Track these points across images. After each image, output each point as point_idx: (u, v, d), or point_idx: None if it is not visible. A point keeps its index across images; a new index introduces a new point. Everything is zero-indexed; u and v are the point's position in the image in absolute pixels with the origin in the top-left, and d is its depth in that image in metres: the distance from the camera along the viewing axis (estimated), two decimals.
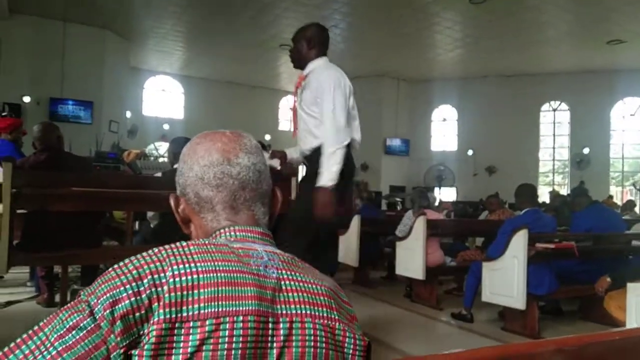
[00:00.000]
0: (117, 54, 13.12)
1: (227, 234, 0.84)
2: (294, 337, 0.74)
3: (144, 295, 0.67)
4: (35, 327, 0.67)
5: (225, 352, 0.68)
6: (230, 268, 0.73)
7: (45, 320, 0.68)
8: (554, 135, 16.00)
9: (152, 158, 14.80)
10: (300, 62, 3.10)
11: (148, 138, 15.48)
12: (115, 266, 0.71)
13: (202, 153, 0.88)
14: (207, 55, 14.59)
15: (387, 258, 6.57)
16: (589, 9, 10.27)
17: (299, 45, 3.07)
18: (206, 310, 0.68)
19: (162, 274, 0.69)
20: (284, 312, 0.75)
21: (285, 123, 19.23)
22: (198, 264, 0.71)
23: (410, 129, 17.09)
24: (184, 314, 0.67)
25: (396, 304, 5.36)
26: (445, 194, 15.28)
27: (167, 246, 0.74)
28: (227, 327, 0.68)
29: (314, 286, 0.81)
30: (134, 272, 0.69)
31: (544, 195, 11.61)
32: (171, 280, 0.69)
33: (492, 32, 11.80)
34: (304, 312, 0.76)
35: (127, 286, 0.67)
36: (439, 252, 5.48)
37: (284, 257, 0.82)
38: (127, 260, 0.71)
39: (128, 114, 14.34)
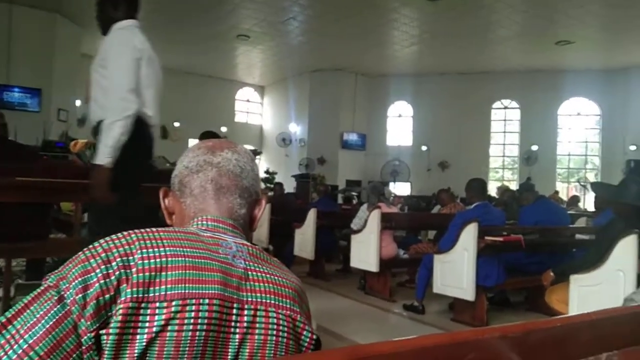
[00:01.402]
0: (67, 40, 12.58)
1: (200, 222, 0.87)
2: (257, 325, 0.76)
3: (112, 277, 0.68)
4: (4, 320, 0.66)
5: (189, 333, 0.69)
6: (197, 254, 0.75)
7: (13, 312, 0.67)
8: (504, 132, 16.49)
9: None
10: (105, 27, 2.68)
11: None
12: (85, 249, 0.72)
13: (195, 149, 0.96)
14: (162, 44, 14.14)
15: (343, 251, 6.63)
16: (539, 10, 10.61)
17: (104, 6, 2.66)
18: (173, 292, 0.70)
19: (130, 257, 0.71)
20: (250, 299, 0.77)
21: (242, 115, 19.03)
22: (167, 248, 0.73)
23: (367, 123, 17.24)
24: (151, 295, 0.69)
25: (350, 296, 5.42)
26: (400, 189, 15.52)
27: (137, 231, 0.76)
28: (193, 308, 0.70)
29: (280, 279, 0.83)
30: (103, 255, 0.70)
31: (494, 190, 11.97)
32: (140, 262, 0.70)
33: (447, 29, 12.03)
34: (269, 301, 0.79)
35: (97, 270, 0.69)
36: (393, 245, 5.57)
37: (253, 250, 0.85)
38: (96, 244, 0.72)
39: (78, 103, 13.83)
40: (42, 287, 0.70)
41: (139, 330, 0.67)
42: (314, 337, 0.84)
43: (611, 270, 3.16)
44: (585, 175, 15.56)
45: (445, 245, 4.52)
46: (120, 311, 0.67)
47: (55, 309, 0.66)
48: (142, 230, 0.76)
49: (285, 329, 0.79)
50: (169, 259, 0.72)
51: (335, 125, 16.45)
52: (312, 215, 6.26)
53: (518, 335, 0.79)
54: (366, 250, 5.31)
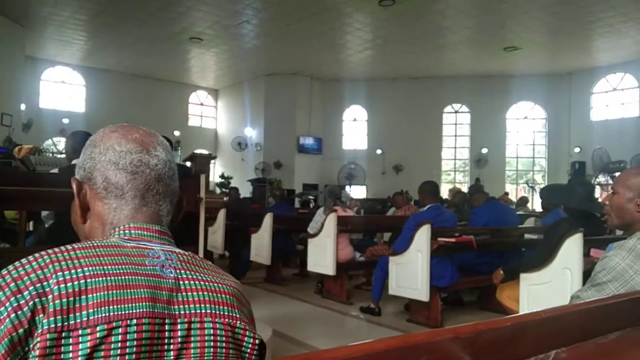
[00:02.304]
0: (10, 41, 12.04)
1: (122, 232, 0.79)
2: (192, 338, 0.72)
3: (25, 309, 0.62)
4: None
5: (118, 358, 0.64)
6: (121, 271, 0.69)
7: None
8: (455, 135, 16.90)
9: (50, 154, 13.83)
10: None
11: (45, 132, 14.41)
12: None
13: (119, 140, 0.84)
14: (111, 46, 13.85)
15: (299, 255, 6.62)
16: (488, 16, 10.95)
17: None
18: (96, 316, 0.64)
19: (44, 282, 0.64)
20: (182, 312, 0.72)
21: (195, 119, 18.75)
22: (85, 269, 0.67)
23: (323, 127, 17.31)
24: (72, 322, 0.63)
25: (307, 300, 5.41)
26: (356, 192, 15.65)
27: (50, 250, 0.69)
28: (120, 331, 0.65)
29: (215, 284, 0.79)
30: (12, 285, 0.64)
31: (447, 192, 12.24)
32: (55, 287, 0.64)
33: (399, 34, 12.24)
34: (203, 311, 0.74)
35: (7, 303, 0.62)
36: (349, 248, 5.60)
37: (184, 256, 0.79)
38: (4, 272, 0.66)
39: (23, 107, 13.25)
40: None
41: None
42: (257, 341, 0.80)
43: (558, 268, 3.27)
44: (533, 177, 16.15)
45: (399, 247, 4.58)
46: (38, 345, 0.61)
47: None
48: (57, 249, 0.69)
49: (224, 338, 0.75)
50: (88, 280, 0.66)
51: (291, 129, 16.44)
52: (268, 219, 6.22)
53: (469, 336, 0.80)
54: (323, 253, 5.32)
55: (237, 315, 0.78)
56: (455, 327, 0.81)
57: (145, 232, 0.80)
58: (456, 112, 16.83)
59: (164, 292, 0.71)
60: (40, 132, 14.00)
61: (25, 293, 0.63)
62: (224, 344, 0.75)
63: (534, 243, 4.92)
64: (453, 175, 17.29)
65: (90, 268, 0.67)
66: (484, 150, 15.68)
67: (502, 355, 0.84)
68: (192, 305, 0.73)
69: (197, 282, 0.76)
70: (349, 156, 16.76)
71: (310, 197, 14.24)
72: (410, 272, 4.38)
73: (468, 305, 5.32)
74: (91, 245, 0.73)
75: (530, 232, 5.42)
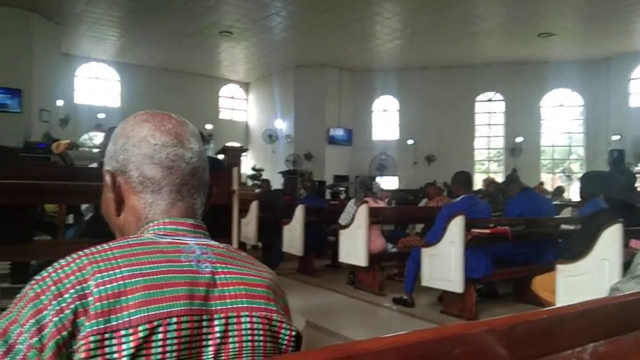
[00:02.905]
0: (46, 39, 12.39)
1: (156, 227, 0.79)
2: (230, 333, 0.73)
3: (67, 311, 0.63)
4: None
5: (159, 357, 0.65)
6: (158, 269, 0.70)
7: None
8: (489, 124, 16.61)
9: (86, 148, 14.21)
10: None
11: (81, 128, 14.82)
12: (33, 282, 0.66)
13: (152, 131, 0.83)
14: (144, 41, 14.09)
15: (331, 246, 6.63)
16: (520, 3, 10.68)
17: None
18: (137, 316, 0.65)
19: (84, 284, 0.65)
20: (219, 307, 0.73)
21: (226, 112, 18.93)
22: (123, 269, 0.67)
23: (353, 118, 17.25)
24: (114, 323, 0.64)
25: (340, 291, 5.43)
26: (387, 183, 15.56)
27: (87, 251, 0.69)
28: (161, 330, 0.66)
29: (251, 277, 0.79)
30: (54, 288, 0.65)
31: (480, 182, 12.05)
32: (95, 290, 0.65)
33: (429, 23, 12.06)
34: (240, 305, 0.74)
35: (50, 307, 0.63)
36: (381, 239, 5.58)
37: (219, 249, 0.79)
38: (44, 274, 0.66)
39: (60, 103, 13.64)
40: None
41: None
42: (293, 332, 0.81)
43: (597, 259, 3.19)
44: (570, 166, 15.74)
45: (432, 238, 4.54)
46: (83, 347, 0.62)
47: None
48: (94, 250, 0.70)
49: (261, 331, 0.76)
50: (127, 280, 0.66)
51: (321, 121, 16.43)
52: (299, 211, 6.25)
53: (505, 329, 0.79)
54: (354, 245, 5.32)
55: (273, 308, 0.79)
56: (490, 319, 0.80)
57: (180, 227, 0.79)
58: (489, 100, 16.51)
59: (200, 288, 0.72)
60: (76, 127, 14.40)
61: (66, 296, 0.64)
62: (261, 337, 0.75)
63: (571, 234, 4.82)
64: (487, 165, 17.01)
65: (128, 268, 0.68)
66: (519, 139, 15.35)
67: (537, 348, 0.83)
68: (228, 300, 0.74)
69: (233, 276, 0.76)
70: (379, 147, 16.66)
71: (341, 188, 14.23)
72: (444, 264, 4.34)
73: (503, 297, 5.25)
74: (127, 243, 0.73)
75: (566, 223, 5.30)
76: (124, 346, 0.63)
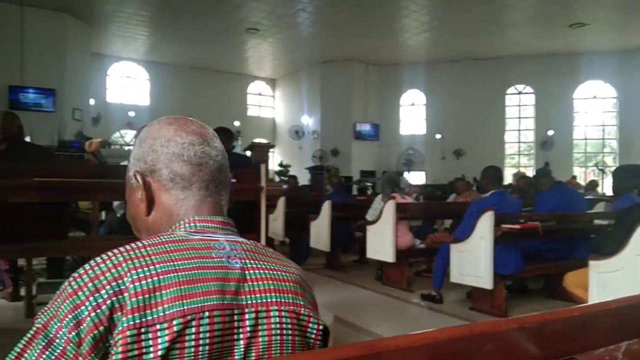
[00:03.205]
0: (78, 40, 12.70)
1: (187, 224, 0.81)
2: (260, 327, 0.74)
3: (104, 307, 0.66)
4: None
5: (192, 350, 0.68)
6: (191, 265, 0.72)
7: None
8: (519, 117, 16.32)
9: (117, 146, 14.51)
10: None
11: (113, 126, 15.14)
12: (71, 279, 0.69)
13: (178, 132, 0.86)
14: (172, 40, 14.29)
15: (359, 242, 6.63)
16: None
17: None
18: (171, 311, 0.67)
19: (119, 281, 0.67)
20: (249, 302, 0.75)
21: (254, 109, 19.07)
22: (157, 265, 0.70)
23: (379, 113, 17.17)
24: (149, 318, 0.66)
25: (367, 287, 5.42)
26: (415, 178, 15.45)
27: (122, 249, 0.72)
28: (194, 324, 0.68)
29: (279, 273, 0.81)
30: (90, 285, 0.67)
31: (510, 177, 11.85)
32: (131, 286, 0.67)
33: (457, 16, 11.89)
34: (269, 300, 0.76)
35: (87, 302, 0.66)
36: (409, 235, 5.55)
37: (247, 245, 0.81)
38: (81, 271, 0.69)
39: (92, 102, 13.96)
40: (33, 330, 0.69)
41: (144, 357, 0.65)
42: (321, 327, 0.82)
43: (631, 255, 3.11)
44: (603, 159, 15.34)
45: (461, 234, 4.50)
46: (120, 341, 0.64)
47: (44, 355, 0.65)
48: (128, 247, 0.72)
49: (289, 325, 0.77)
50: (161, 276, 0.69)
51: (347, 116, 16.41)
52: (326, 207, 6.27)
53: (535, 326, 0.79)
54: (382, 240, 5.31)
55: (301, 302, 0.80)
56: (520, 316, 0.80)
57: (210, 224, 0.82)
58: (519, 93, 16.22)
59: (231, 283, 0.74)
60: (108, 126, 14.72)
61: (103, 292, 0.66)
62: (289, 331, 0.77)
63: (604, 229, 4.70)
64: (517, 159, 16.72)
65: (161, 265, 0.70)
66: (550, 133, 15.04)
67: (569, 346, 0.82)
68: (258, 295, 0.76)
69: (261, 272, 0.78)
70: (406, 142, 16.54)
71: (368, 184, 14.20)
72: (473, 260, 4.30)
73: (534, 294, 5.16)
74: (160, 241, 0.75)
75: (600, 218, 5.18)
76: (159, 340, 0.65)
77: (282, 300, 0.78)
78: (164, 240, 0.75)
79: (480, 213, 4.25)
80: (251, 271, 0.77)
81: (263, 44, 14.82)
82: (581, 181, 13.31)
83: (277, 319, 0.76)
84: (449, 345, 0.72)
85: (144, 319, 0.66)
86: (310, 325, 0.81)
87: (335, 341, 3.00)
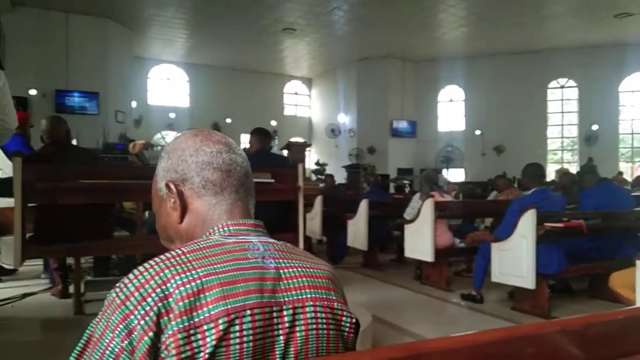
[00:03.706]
0: (120, 44, 13.10)
1: (221, 229, 0.85)
2: (297, 322, 0.78)
3: (151, 314, 0.69)
4: None
5: (237, 347, 0.71)
6: (230, 267, 0.76)
7: None
8: (562, 112, 15.86)
9: (158, 147, 14.86)
10: None
11: (154, 127, 15.52)
12: (117, 290, 0.72)
13: (205, 142, 0.91)
14: (210, 42, 14.54)
15: (397, 241, 6.59)
16: None
17: None
18: (217, 310, 0.71)
19: (163, 287, 0.71)
20: (286, 299, 0.78)
21: (290, 108, 19.19)
22: (198, 270, 0.73)
23: (416, 110, 17.00)
24: (196, 319, 0.70)
25: (406, 286, 5.39)
26: (454, 175, 15.23)
27: (162, 257, 0.76)
28: (237, 322, 0.71)
29: (312, 270, 0.84)
30: (137, 294, 0.71)
31: (553, 173, 11.53)
32: (176, 291, 0.70)
33: (497, 8, 11.65)
34: (304, 296, 0.80)
35: (135, 312, 0.69)
36: (448, 234, 5.48)
37: (279, 245, 0.85)
38: (126, 281, 0.73)
39: (134, 104, 14.35)
40: (84, 340, 0.74)
41: (196, 357, 0.69)
42: (353, 320, 0.85)
43: None
44: None
45: (502, 233, 4.42)
46: (172, 344, 0.68)
47: None
48: (169, 255, 0.76)
49: (324, 320, 0.81)
50: (203, 279, 0.72)
51: (384, 114, 16.32)
52: (363, 206, 6.26)
53: (579, 329, 0.78)
54: (420, 239, 5.26)
55: (334, 297, 0.84)
56: (563, 319, 0.79)
57: (243, 227, 0.86)
58: (562, 87, 15.76)
59: (268, 283, 0.77)
60: (149, 127, 15.11)
61: (149, 300, 0.70)
62: (324, 326, 0.81)
63: None
64: (560, 154, 16.26)
65: (202, 269, 0.74)
66: (595, 127, 14.55)
67: (613, 349, 0.81)
68: (293, 292, 0.79)
69: (295, 270, 0.82)
70: (445, 138, 16.33)
71: (405, 181, 14.07)
72: (515, 259, 4.21)
73: (578, 294, 5.02)
74: (198, 247, 0.79)
75: None
76: (207, 339, 0.69)
77: (317, 295, 0.81)
78: (201, 246, 0.79)
79: (522, 211, 4.16)
80: (285, 270, 0.81)
81: (299, 44, 14.90)
82: (628, 177, 12.82)
83: (313, 314, 0.80)
84: (489, 348, 0.72)
85: (191, 321, 0.69)
86: (344, 319, 0.84)
87: (374, 339, 3.01)
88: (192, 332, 0.69)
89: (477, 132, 15.79)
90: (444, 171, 14.39)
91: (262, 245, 0.82)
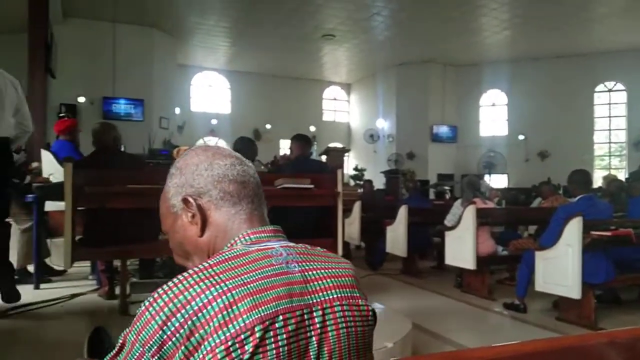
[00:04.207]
0: (164, 52, 13.46)
1: (243, 239, 0.87)
2: (327, 322, 0.80)
3: (182, 331, 0.71)
4: None
5: (274, 352, 0.73)
6: (257, 276, 0.77)
7: None
8: (609, 116, 15.33)
9: None
10: None
11: (196, 133, 15.85)
12: (147, 304, 0.74)
13: (216, 156, 0.94)
14: (251, 49, 14.76)
15: (437, 248, 6.51)
16: None
17: None
18: (251, 319, 0.72)
19: (193, 303, 0.72)
20: (314, 301, 0.80)
21: (329, 114, 19.25)
22: (227, 282, 0.75)
23: (457, 115, 16.77)
24: (232, 331, 0.71)
25: (446, 294, 5.31)
26: (496, 181, 14.92)
27: (191, 271, 0.77)
28: (271, 328, 0.73)
29: (335, 270, 0.87)
30: (166, 309, 0.72)
31: (600, 180, 11.14)
32: (209, 306, 0.72)
33: (540, 11, 11.39)
34: (332, 297, 0.82)
35: (165, 327, 0.71)
36: (490, 242, 5.38)
37: (299, 248, 0.87)
38: (156, 296, 0.74)
39: (177, 111, 14.71)
40: (116, 348, 0.77)
41: None
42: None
43: None
44: None
45: (547, 241, 4.30)
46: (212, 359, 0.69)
47: None
48: (196, 269, 0.77)
49: (352, 317, 0.83)
50: (233, 291, 0.73)
51: (424, 119, 16.16)
52: (403, 212, 6.20)
53: (627, 341, 0.76)
54: (462, 247, 5.18)
55: (358, 295, 0.87)
56: (611, 331, 0.77)
57: (263, 235, 0.88)
58: (609, 90, 15.24)
59: (296, 287, 0.79)
60: (192, 133, 15.44)
61: (178, 315, 0.71)
62: (353, 323, 0.83)
63: None
64: (607, 160, 15.70)
65: (230, 281, 0.75)
66: None
67: None
68: (321, 294, 0.81)
69: (319, 271, 0.84)
70: (487, 143, 16.03)
71: (446, 187, 13.87)
72: (560, 268, 4.10)
73: (627, 304, 4.83)
74: (223, 259, 0.80)
75: None
76: (246, 347, 0.71)
77: (343, 295, 0.84)
78: (226, 257, 0.80)
79: (568, 219, 4.05)
80: (310, 272, 0.83)
81: (339, 50, 14.95)
82: None
83: (341, 313, 0.82)
84: (533, 358, 0.71)
85: (228, 334, 0.70)
86: (371, 313, 0.88)
87: (414, 347, 2.99)
88: (230, 343, 0.70)
89: (521, 137, 15.44)
90: (486, 177, 14.11)
91: (284, 250, 0.84)
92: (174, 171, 0.96)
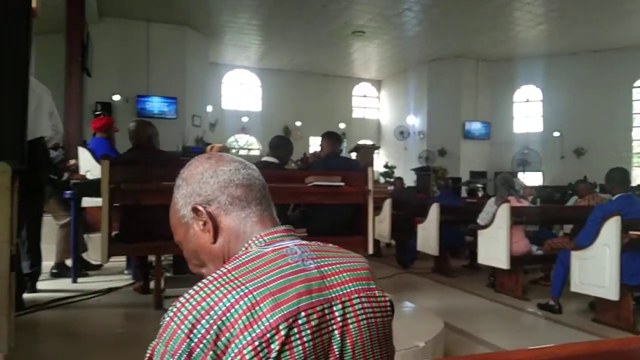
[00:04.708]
0: (196, 50, 13.65)
1: (257, 241, 0.88)
2: (348, 315, 0.81)
3: (208, 337, 0.72)
4: None
5: (300, 348, 0.74)
6: (276, 276, 0.78)
7: None
8: None
9: (232, 150, 15.36)
10: None
11: (228, 131, 16.03)
12: (171, 314, 0.75)
13: (219, 163, 0.95)
14: (281, 47, 14.84)
15: (469, 246, 6.43)
16: None
17: None
18: (275, 318, 0.73)
19: (216, 308, 0.73)
20: (333, 295, 0.81)
21: (358, 111, 19.19)
22: (247, 284, 0.76)
23: (490, 111, 16.48)
24: (257, 331, 0.72)
25: (479, 294, 5.24)
26: (531, 179, 14.63)
27: (210, 278, 0.78)
28: (294, 325, 0.74)
29: (350, 264, 0.88)
30: (191, 317, 0.73)
31: (638, 177, 10.81)
32: (232, 310, 0.73)
33: (577, 5, 11.09)
34: (349, 290, 0.84)
35: (191, 335, 0.72)
36: (524, 241, 5.28)
37: (312, 246, 0.89)
38: (179, 305, 0.75)
39: (209, 108, 14.89)
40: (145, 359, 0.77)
41: None
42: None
43: None
44: None
45: (583, 240, 4.20)
46: None
47: None
48: (215, 275, 0.78)
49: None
50: (254, 292, 0.75)
51: (456, 115, 15.95)
52: (434, 210, 6.15)
53: None
54: (495, 246, 5.10)
55: (374, 286, 0.89)
56: None
57: (276, 235, 0.90)
58: None
59: (313, 283, 0.80)
60: (223, 131, 15.63)
61: (203, 322, 0.72)
62: (372, 314, 0.85)
63: None
64: None
65: (250, 283, 0.76)
66: None
67: None
68: (338, 288, 0.82)
69: (335, 266, 0.85)
70: (521, 140, 15.73)
71: (479, 185, 13.67)
72: (597, 268, 3.99)
73: None
74: (240, 262, 0.81)
75: None
76: (272, 346, 0.72)
77: (360, 287, 0.85)
78: (243, 261, 0.81)
79: (605, 218, 3.94)
80: (326, 268, 0.84)
81: (369, 46, 14.88)
82: None
83: (360, 305, 0.83)
84: None
85: (254, 334, 0.72)
86: (388, 304, 0.89)
87: (445, 348, 2.97)
88: (257, 344, 0.71)
89: (556, 134, 15.09)
90: (520, 175, 13.85)
91: (299, 248, 0.85)
92: (180, 182, 0.97)
